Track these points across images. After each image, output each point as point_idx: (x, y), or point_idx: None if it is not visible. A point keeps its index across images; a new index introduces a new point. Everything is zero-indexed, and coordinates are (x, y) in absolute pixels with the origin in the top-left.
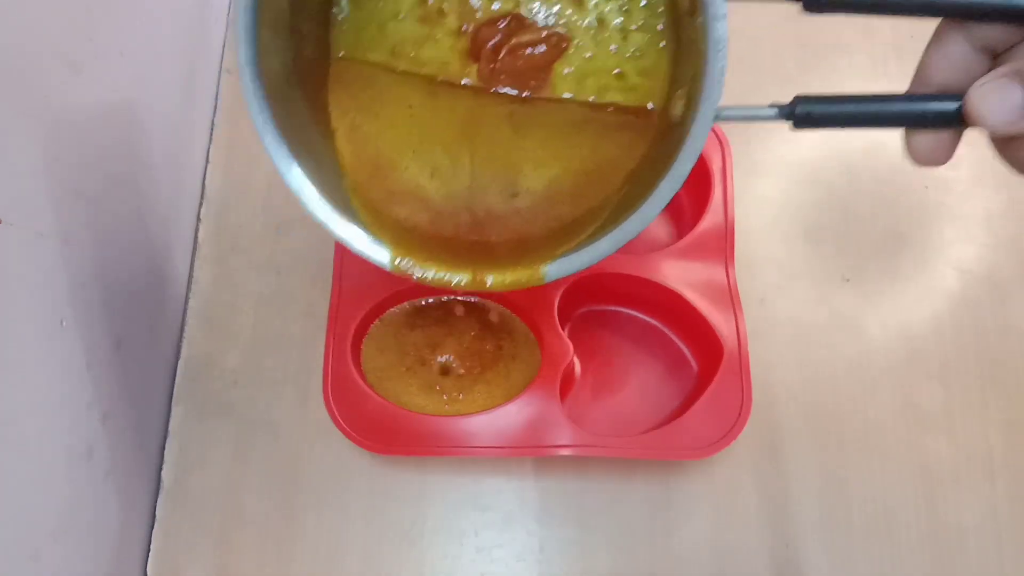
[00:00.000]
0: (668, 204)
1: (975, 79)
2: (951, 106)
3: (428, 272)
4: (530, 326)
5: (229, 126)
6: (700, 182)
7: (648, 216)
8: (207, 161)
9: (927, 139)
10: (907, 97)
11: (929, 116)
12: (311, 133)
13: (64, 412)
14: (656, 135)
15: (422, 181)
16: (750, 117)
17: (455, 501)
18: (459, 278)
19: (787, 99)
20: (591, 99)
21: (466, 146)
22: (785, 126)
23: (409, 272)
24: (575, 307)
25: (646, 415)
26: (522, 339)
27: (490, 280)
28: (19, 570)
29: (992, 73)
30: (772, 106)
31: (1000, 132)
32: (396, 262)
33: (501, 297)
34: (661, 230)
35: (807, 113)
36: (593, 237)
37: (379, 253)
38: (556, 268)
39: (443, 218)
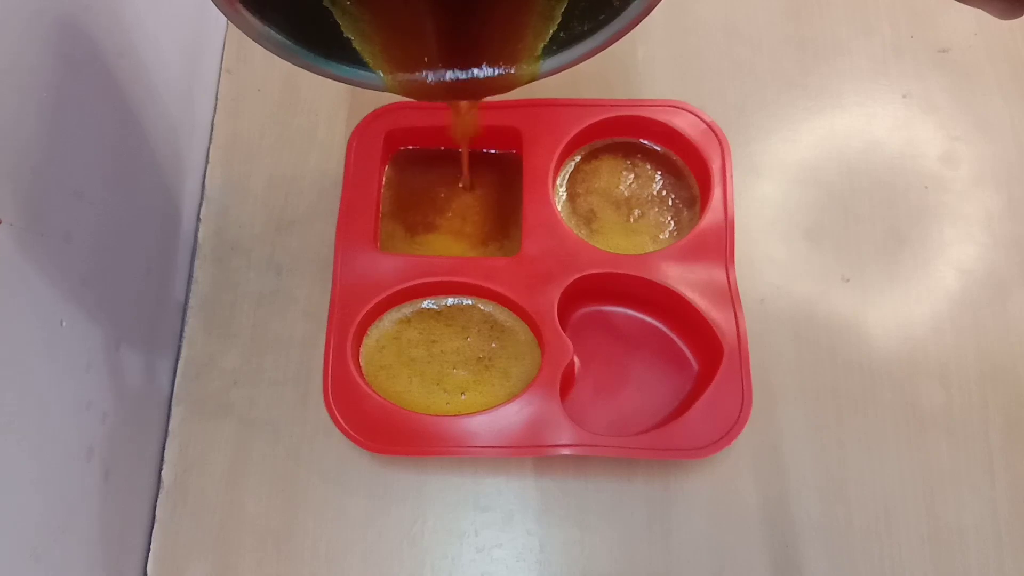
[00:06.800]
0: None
1: None
2: None
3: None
4: (530, 326)
5: (229, 126)
6: (700, 182)
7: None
8: (207, 161)
9: None
10: None
11: None
12: None
13: (64, 412)
14: None
15: None
16: None
17: (455, 501)
18: (453, 74)
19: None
20: None
21: None
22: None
23: (404, 82)
24: (575, 307)
25: (646, 415)
26: (522, 339)
27: (482, 72)
28: (19, 570)
29: None
30: None
31: None
32: (389, 79)
33: (501, 297)
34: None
35: None
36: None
37: (372, 77)
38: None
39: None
